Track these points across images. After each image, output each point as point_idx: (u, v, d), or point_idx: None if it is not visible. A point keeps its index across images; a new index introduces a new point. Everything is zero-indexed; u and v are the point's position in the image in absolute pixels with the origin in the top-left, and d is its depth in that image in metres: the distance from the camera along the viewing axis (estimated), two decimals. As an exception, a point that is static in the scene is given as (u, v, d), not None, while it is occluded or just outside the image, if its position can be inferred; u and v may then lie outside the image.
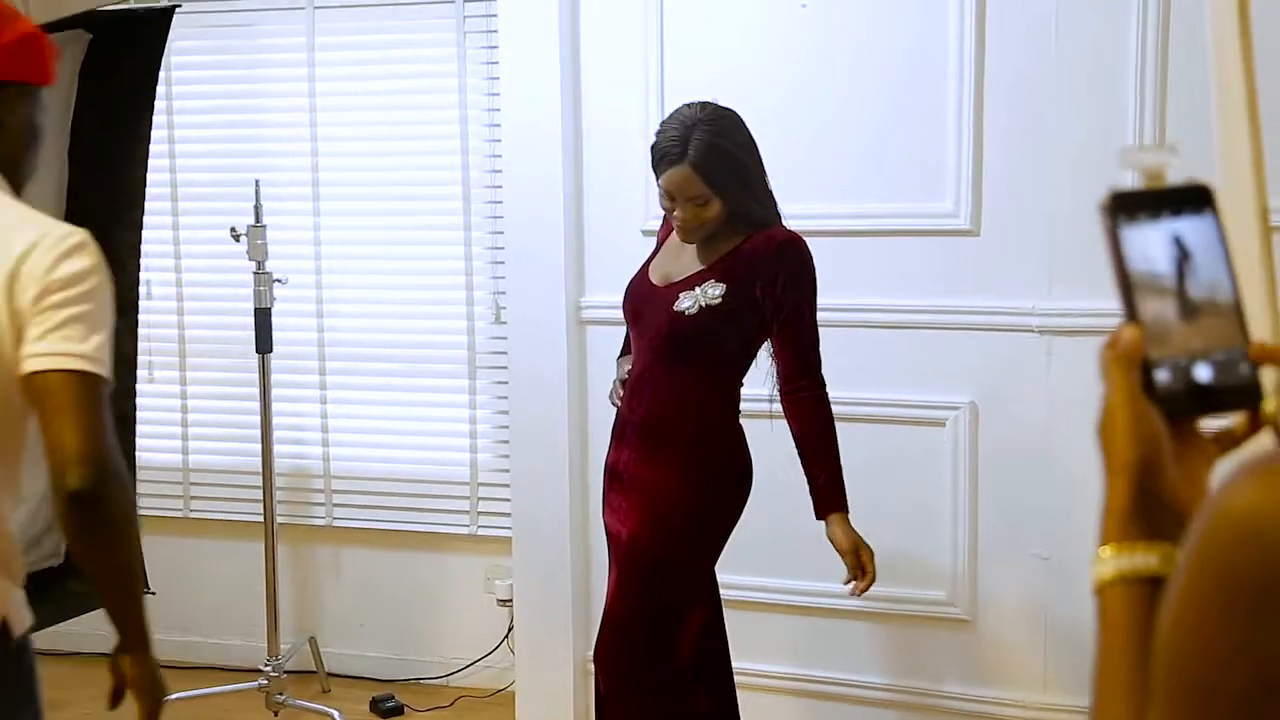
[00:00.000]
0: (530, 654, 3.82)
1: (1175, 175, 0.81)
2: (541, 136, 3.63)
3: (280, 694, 3.76)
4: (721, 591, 2.91)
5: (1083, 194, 3.26)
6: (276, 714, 3.80)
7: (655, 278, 2.84)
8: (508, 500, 3.87)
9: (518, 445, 3.76)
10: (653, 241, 3.28)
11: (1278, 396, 0.80)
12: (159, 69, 3.08)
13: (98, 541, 1.69)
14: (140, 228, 3.15)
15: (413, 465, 4.12)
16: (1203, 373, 0.79)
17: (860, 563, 2.76)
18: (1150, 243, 0.80)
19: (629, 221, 3.61)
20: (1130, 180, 0.82)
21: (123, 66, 3.05)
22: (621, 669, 2.82)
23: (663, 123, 2.76)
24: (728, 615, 2.94)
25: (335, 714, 3.66)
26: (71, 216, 3.13)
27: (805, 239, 2.78)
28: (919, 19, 3.33)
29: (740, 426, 2.84)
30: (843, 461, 2.80)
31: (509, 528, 3.87)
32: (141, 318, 4.21)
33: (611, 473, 2.89)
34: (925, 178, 3.36)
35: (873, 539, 3.45)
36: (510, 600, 3.93)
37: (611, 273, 3.52)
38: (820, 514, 2.78)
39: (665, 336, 2.76)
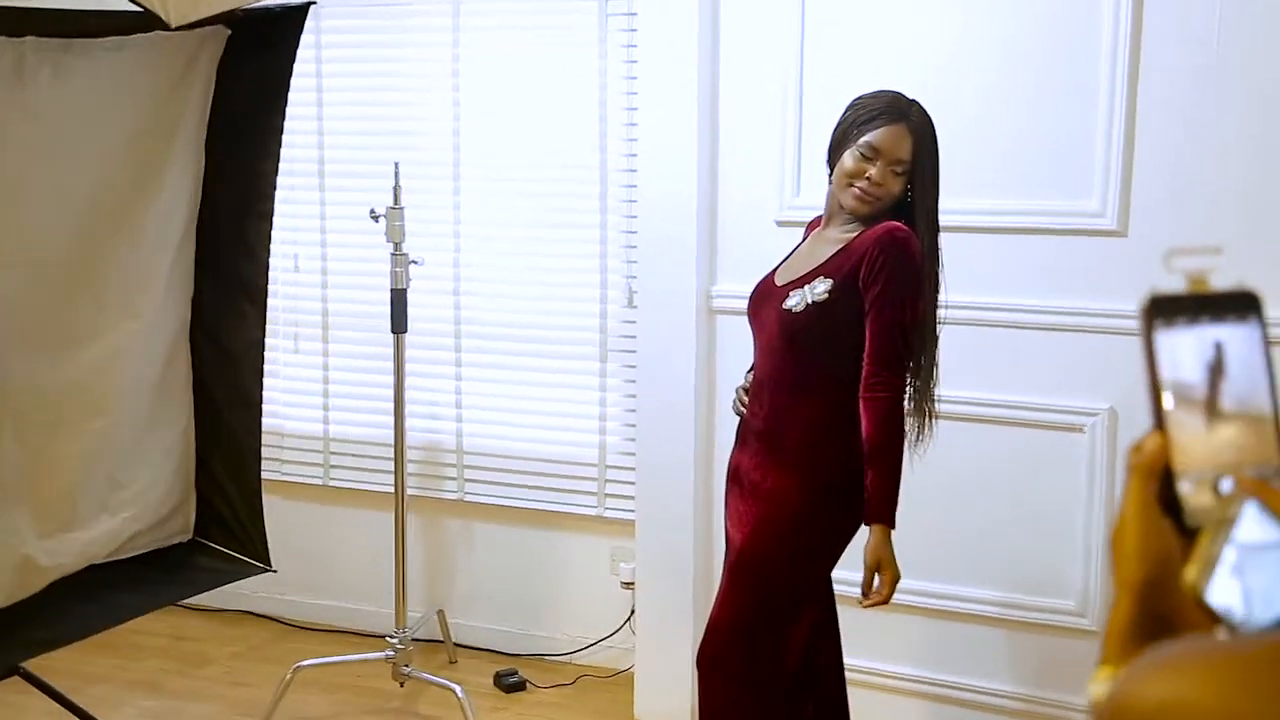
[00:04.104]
0: (650, 639, 3.84)
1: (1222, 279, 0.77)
2: (678, 124, 3.60)
3: (406, 665, 3.84)
4: (851, 589, 2.86)
5: (1239, 198, 3.13)
6: (402, 685, 3.89)
7: (779, 279, 2.81)
8: (634, 484, 3.89)
9: (644, 432, 3.77)
10: (787, 233, 3.26)
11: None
12: (293, 64, 3.13)
13: None
14: (271, 217, 3.23)
15: (543, 445, 4.16)
16: (1227, 487, 0.74)
17: (875, 582, 2.66)
18: (1185, 349, 0.75)
19: (763, 211, 3.57)
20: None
21: (259, 62, 3.12)
22: (723, 676, 2.80)
23: (870, 94, 2.75)
24: (855, 613, 2.90)
25: (457, 689, 3.72)
26: (206, 206, 3.25)
27: (943, 233, 2.71)
28: (1071, 10, 3.21)
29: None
30: (905, 471, 2.69)
31: (635, 511, 3.89)
32: (288, 290, 4.37)
33: (733, 475, 2.88)
34: (1072, 175, 3.24)
35: (1002, 543, 3.41)
36: (633, 584, 3.95)
37: (743, 263, 3.49)
38: (864, 519, 2.68)
39: (776, 336, 2.74)
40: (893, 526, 2.66)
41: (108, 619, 3.03)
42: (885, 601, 2.69)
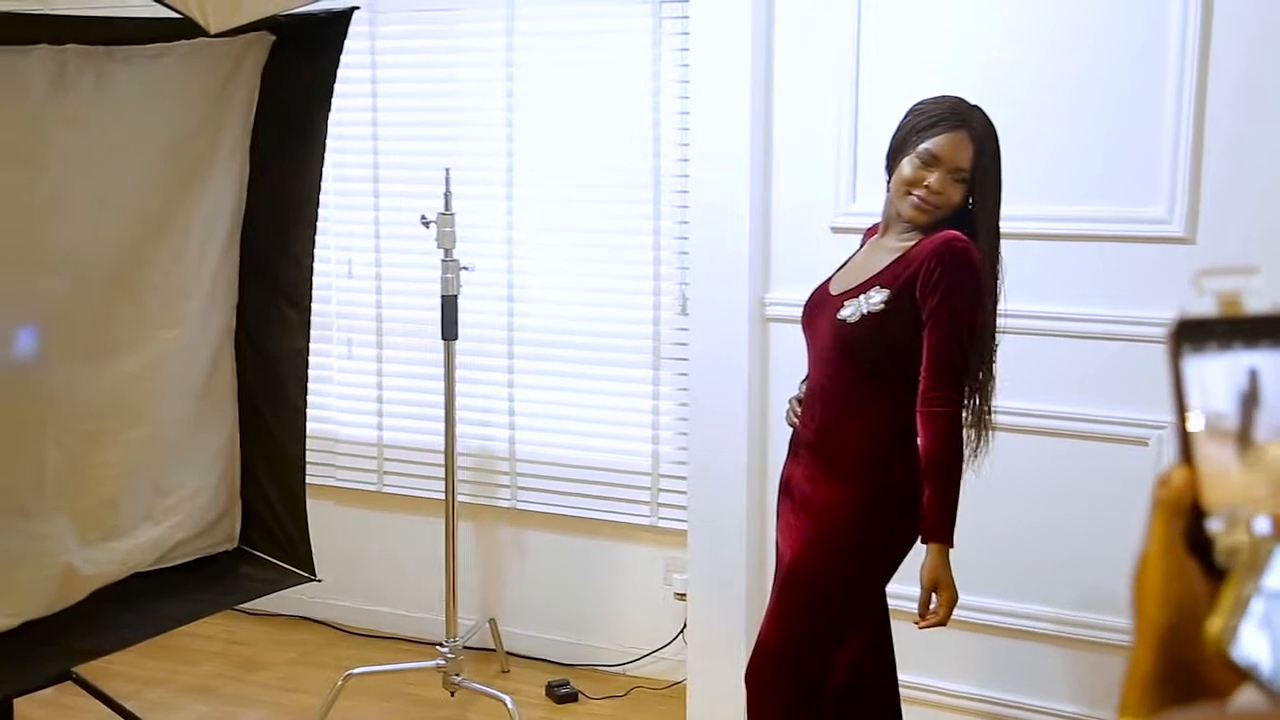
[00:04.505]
0: (703, 652, 3.78)
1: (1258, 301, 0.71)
2: (730, 128, 3.53)
3: (457, 675, 3.81)
4: (907, 605, 2.79)
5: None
6: (453, 694, 3.87)
7: (834, 287, 2.74)
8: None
9: (696, 441, 3.71)
10: (843, 240, 3.19)
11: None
12: (337, 70, 3.11)
13: None
14: (315, 224, 3.21)
15: (595, 453, 4.11)
16: (1263, 526, 0.67)
17: (932, 603, 2.59)
18: (1216, 376, 0.69)
19: (818, 218, 3.49)
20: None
21: (303, 67, 3.10)
22: (772, 695, 2.75)
23: (930, 99, 2.67)
24: (909, 627, 2.83)
25: (507, 700, 3.69)
26: (251, 213, 3.24)
27: (1001, 241, 2.63)
28: (1137, 3, 3.10)
29: (918, 446, 2.69)
30: (963, 489, 2.62)
31: (687, 522, 3.83)
32: (342, 296, 4.37)
33: (784, 487, 2.82)
34: (1138, 180, 3.13)
35: (1063, 559, 3.31)
36: (686, 595, 3.89)
37: (798, 270, 3.43)
38: (921, 538, 2.60)
39: (830, 347, 2.67)
40: (951, 545, 2.58)
41: (150, 628, 3.03)
42: (942, 623, 2.62)
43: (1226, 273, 0.71)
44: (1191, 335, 0.70)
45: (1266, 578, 0.66)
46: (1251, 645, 0.65)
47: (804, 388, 2.83)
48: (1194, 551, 0.70)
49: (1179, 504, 0.69)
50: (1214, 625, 0.67)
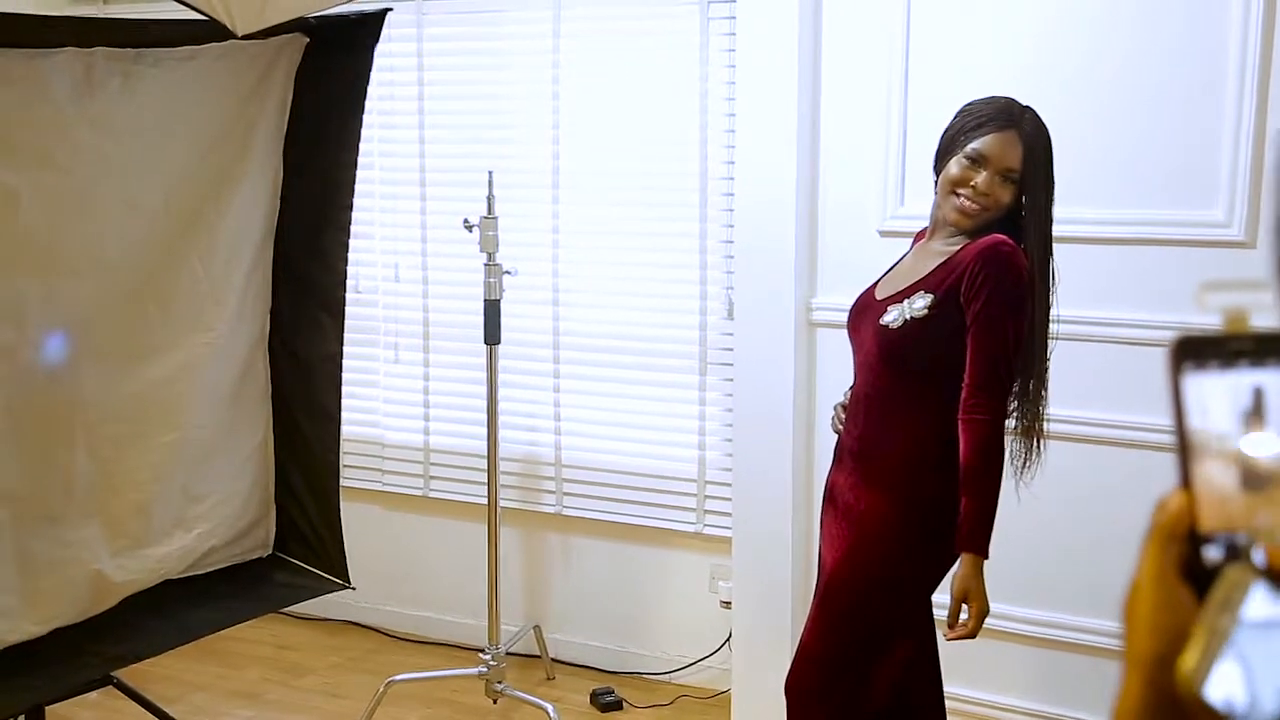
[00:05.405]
0: (748, 662, 3.71)
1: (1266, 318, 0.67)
2: (777, 129, 3.47)
3: (499, 682, 3.78)
4: (942, 615, 2.72)
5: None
6: (495, 702, 3.84)
7: (880, 292, 2.67)
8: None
9: (740, 447, 3.65)
10: (890, 244, 3.11)
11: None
12: (370, 71, 3.08)
13: None
14: (348, 228, 3.17)
15: (642, 459, 4.06)
16: (1262, 557, 0.63)
17: (962, 614, 2.51)
18: (1218, 396, 0.65)
19: (865, 221, 3.42)
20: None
21: (336, 69, 3.07)
22: (810, 707, 2.69)
23: (981, 100, 2.60)
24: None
25: (550, 709, 3.65)
26: (284, 217, 3.22)
27: (1057, 244, 2.55)
28: (1197, 3, 2.98)
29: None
30: (997, 497, 2.52)
31: (731, 529, 3.76)
32: (389, 300, 4.35)
33: (828, 495, 2.77)
34: (1195, 183, 3.02)
35: (1118, 570, 3.19)
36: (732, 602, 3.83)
37: (844, 274, 3.36)
38: (955, 547, 2.52)
39: (873, 353, 2.61)
40: (985, 556, 2.51)
41: (182, 635, 3.01)
42: (971, 635, 2.55)
43: (1232, 287, 0.67)
44: (1192, 352, 0.66)
45: (1244, 610, 0.62)
46: (1226, 684, 0.62)
47: (849, 394, 2.77)
48: (1189, 579, 0.66)
49: (1175, 530, 0.66)
50: (1188, 660, 0.63)
